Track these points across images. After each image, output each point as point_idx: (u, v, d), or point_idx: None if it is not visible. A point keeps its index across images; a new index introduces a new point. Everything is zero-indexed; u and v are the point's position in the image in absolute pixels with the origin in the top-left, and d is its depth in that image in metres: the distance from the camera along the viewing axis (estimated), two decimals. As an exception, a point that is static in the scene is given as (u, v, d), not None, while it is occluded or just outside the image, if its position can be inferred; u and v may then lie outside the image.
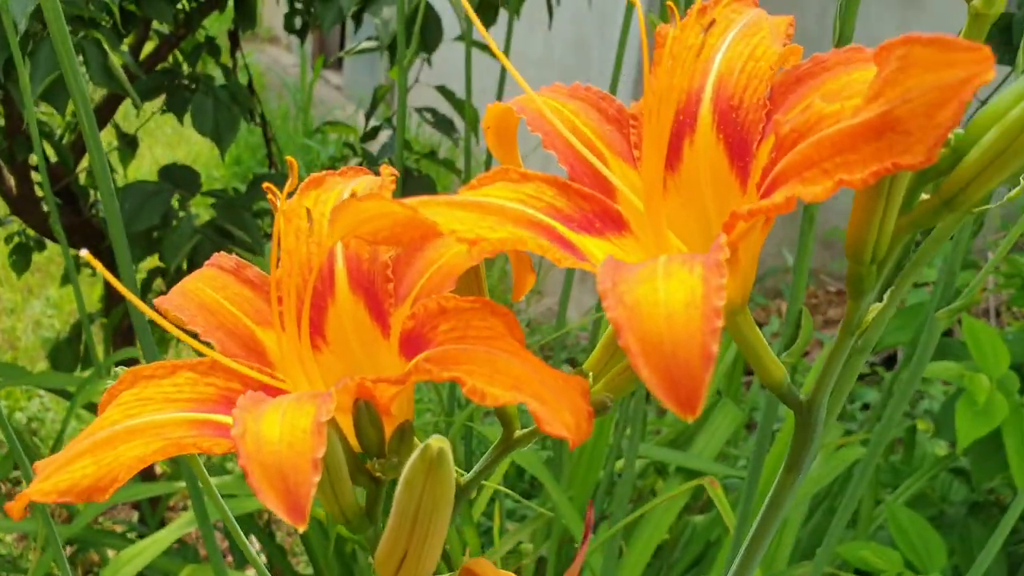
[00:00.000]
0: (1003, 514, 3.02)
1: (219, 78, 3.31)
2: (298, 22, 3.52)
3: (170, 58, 3.26)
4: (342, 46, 8.59)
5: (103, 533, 2.85)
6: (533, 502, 3.03)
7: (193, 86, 3.05)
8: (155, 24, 3.17)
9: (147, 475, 3.10)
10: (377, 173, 0.83)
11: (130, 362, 3.20)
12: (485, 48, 3.27)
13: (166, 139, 7.38)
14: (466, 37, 2.82)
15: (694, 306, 0.52)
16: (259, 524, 3.00)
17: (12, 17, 1.87)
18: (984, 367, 2.24)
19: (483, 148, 5.08)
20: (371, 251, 0.79)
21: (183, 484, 2.89)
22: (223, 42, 3.52)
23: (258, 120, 3.72)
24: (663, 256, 0.57)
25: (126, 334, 3.39)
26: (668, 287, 0.53)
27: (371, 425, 0.69)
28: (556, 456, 2.72)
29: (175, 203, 3.06)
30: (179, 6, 3.04)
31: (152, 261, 3.34)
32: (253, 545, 3.58)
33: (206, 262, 0.82)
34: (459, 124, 3.66)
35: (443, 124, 3.57)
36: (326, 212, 0.81)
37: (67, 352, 3.34)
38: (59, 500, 0.67)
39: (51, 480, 0.67)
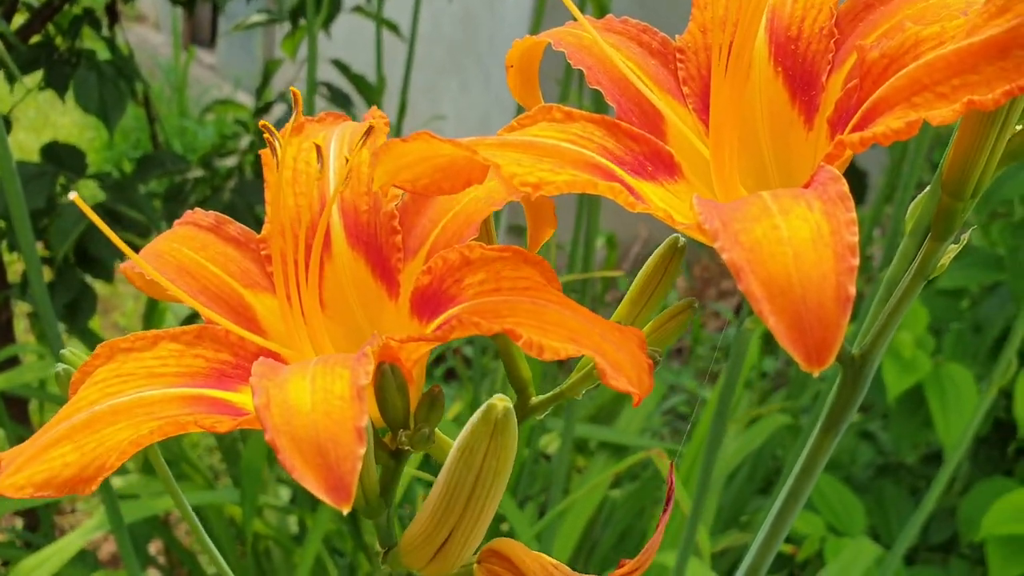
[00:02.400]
0: (909, 474, 3.10)
1: (100, 55, 3.11)
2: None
3: (43, 32, 3.04)
4: (214, 25, 8.29)
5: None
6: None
7: (74, 61, 2.85)
8: (25, -4, 2.96)
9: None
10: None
11: (13, 361, 2.99)
12: (374, 20, 3.18)
13: (29, 122, 6.98)
14: (376, 12, 2.72)
15: (823, 243, 0.46)
16: (161, 524, 2.85)
17: None
18: (904, 324, 2.27)
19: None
20: (370, 201, 0.70)
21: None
22: (100, 17, 3.31)
23: (140, 99, 3.53)
24: (766, 191, 0.51)
25: (4, 330, 3.17)
26: (789, 224, 0.47)
27: (398, 392, 0.61)
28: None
29: (59, 187, 2.86)
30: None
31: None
32: (153, 546, 3.42)
33: (178, 220, 0.72)
34: (355, 99, 3.54)
35: (339, 99, 3.44)
36: (311, 160, 0.73)
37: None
38: (36, 495, 0.57)
39: (24, 472, 0.57)
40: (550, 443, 3.03)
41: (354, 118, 2.80)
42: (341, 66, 3.41)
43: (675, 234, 0.70)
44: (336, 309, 0.71)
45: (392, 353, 0.59)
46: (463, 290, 0.61)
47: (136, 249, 2.38)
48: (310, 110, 2.63)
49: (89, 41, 3.33)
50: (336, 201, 0.69)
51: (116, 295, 4.89)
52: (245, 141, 3.51)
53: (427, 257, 0.67)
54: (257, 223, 2.58)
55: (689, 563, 1.83)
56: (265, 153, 0.71)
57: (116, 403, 0.60)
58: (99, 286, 2.98)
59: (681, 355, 4.71)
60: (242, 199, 3.24)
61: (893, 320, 0.66)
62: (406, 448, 0.62)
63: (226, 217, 0.71)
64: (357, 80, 3.39)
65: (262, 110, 3.45)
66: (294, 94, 0.64)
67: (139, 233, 2.95)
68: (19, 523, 3.18)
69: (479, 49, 5.60)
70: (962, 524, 2.41)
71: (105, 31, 3.27)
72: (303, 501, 2.85)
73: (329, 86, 3.45)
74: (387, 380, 0.60)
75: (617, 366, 0.55)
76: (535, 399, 0.73)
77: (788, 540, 2.53)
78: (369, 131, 0.69)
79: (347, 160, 0.69)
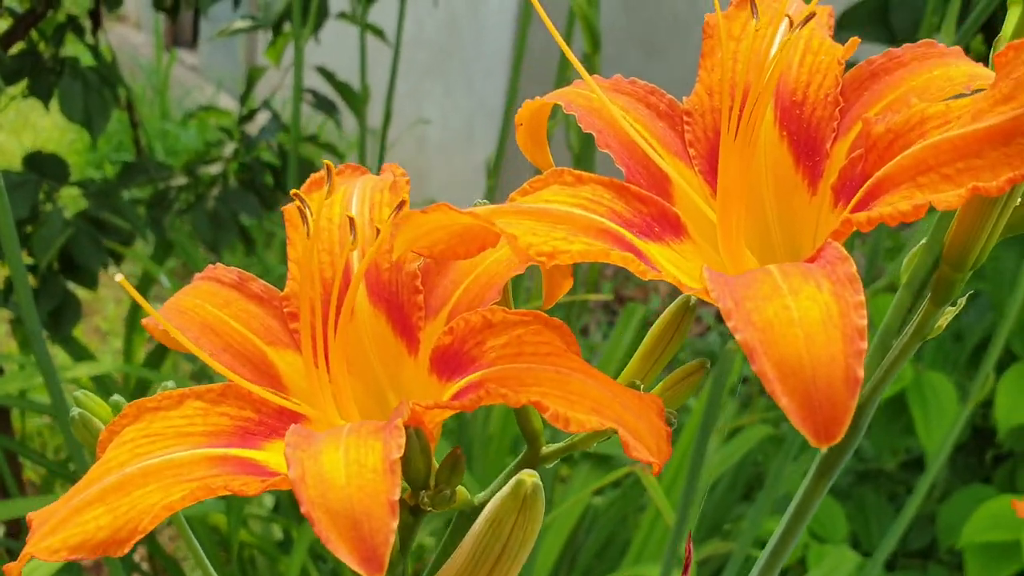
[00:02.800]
0: (889, 481, 3.14)
1: (83, 60, 3.10)
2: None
3: (26, 39, 3.03)
4: (195, 26, 8.25)
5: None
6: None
7: (58, 69, 2.85)
8: (7, 1, 2.95)
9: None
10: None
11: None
12: (354, 23, 3.18)
13: (9, 124, 6.93)
14: (361, 19, 2.72)
15: (832, 325, 0.49)
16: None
17: None
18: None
19: (355, 129, 4.94)
20: (391, 260, 0.72)
21: (47, 499, 2.72)
22: (83, 23, 3.30)
23: (123, 104, 3.52)
24: (773, 267, 0.53)
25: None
26: (800, 305, 0.49)
27: (421, 454, 0.62)
28: (463, 444, 2.67)
29: (42, 195, 2.86)
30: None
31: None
32: (136, 553, 3.42)
33: (199, 275, 0.73)
34: (339, 105, 3.54)
35: (324, 105, 3.45)
36: (333, 217, 0.74)
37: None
38: (70, 558, 0.59)
39: (59, 535, 0.59)
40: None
41: (338, 124, 2.80)
42: (326, 74, 3.41)
43: (686, 294, 0.73)
44: (356, 364, 0.72)
45: (417, 418, 0.61)
46: (484, 352, 0.63)
47: (118, 257, 2.39)
48: (296, 116, 2.63)
49: (72, 46, 3.32)
50: (356, 257, 0.71)
51: (97, 300, 4.88)
52: (229, 149, 3.51)
53: (448, 317, 0.69)
54: (242, 232, 2.56)
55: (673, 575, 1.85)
56: (289, 210, 0.72)
57: (146, 465, 0.61)
58: (80, 291, 2.98)
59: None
60: (226, 207, 3.24)
61: (888, 376, 0.69)
62: (428, 509, 0.64)
63: (248, 274, 0.72)
64: (342, 88, 3.39)
65: (246, 118, 3.45)
66: (327, 166, 0.66)
67: (123, 240, 2.95)
68: (0, 530, 3.17)
69: (463, 53, 5.61)
70: (941, 531, 2.46)
71: (88, 37, 3.26)
72: (287, 510, 2.86)
73: (314, 93, 3.45)
74: (412, 443, 0.62)
75: (638, 436, 0.57)
76: (546, 449, 0.75)
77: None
78: (394, 187, 0.71)
79: (364, 219, 0.71)
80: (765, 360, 0.48)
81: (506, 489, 0.56)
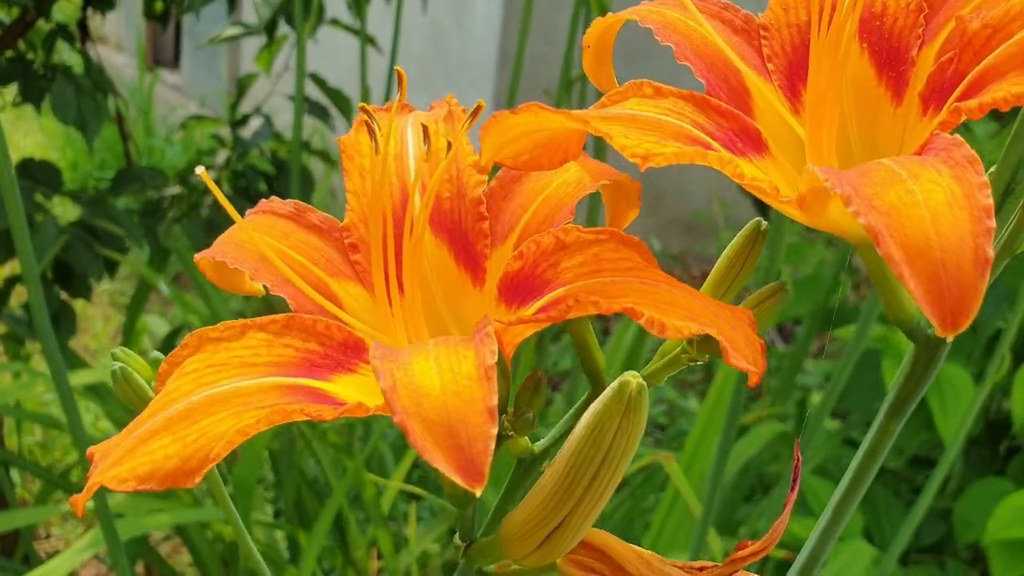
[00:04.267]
0: (894, 478, 3.12)
1: (74, 69, 3.07)
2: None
3: (15, 48, 3.00)
4: (177, 44, 8.22)
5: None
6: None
7: (50, 76, 2.81)
8: (-4, 11, 2.92)
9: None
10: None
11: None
12: (349, 31, 3.17)
13: (-9, 143, 6.86)
14: (361, 30, 2.71)
15: (959, 206, 0.46)
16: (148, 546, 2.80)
17: None
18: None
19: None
20: (452, 188, 0.69)
21: (45, 510, 2.65)
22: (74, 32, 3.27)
23: (113, 117, 3.49)
24: (884, 159, 0.51)
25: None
26: (923, 188, 0.47)
27: (502, 376, 0.59)
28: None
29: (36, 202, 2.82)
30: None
31: (4, 270, 3.07)
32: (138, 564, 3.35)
33: (251, 210, 0.70)
34: (331, 111, 3.52)
35: (317, 111, 3.43)
36: (389, 148, 0.72)
37: None
38: (139, 488, 0.55)
39: (125, 465, 0.56)
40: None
41: (333, 129, 2.78)
42: (318, 80, 3.40)
43: (756, 218, 0.70)
44: (419, 295, 0.69)
45: (498, 336, 0.58)
46: (559, 273, 0.61)
47: (113, 265, 2.35)
48: (299, 123, 2.61)
49: (61, 58, 3.29)
50: (418, 188, 0.68)
51: (85, 318, 4.82)
52: (222, 156, 3.48)
53: (517, 243, 0.66)
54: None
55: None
56: (344, 141, 0.70)
57: (213, 393, 0.58)
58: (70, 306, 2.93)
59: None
60: (221, 215, 3.20)
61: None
62: (509, 433, 0.61)
63: (305, 204, 0.69)
64: (334, 94, 3.38)
65: (239, 124, 3.42)
66: (398, 72, 0.63)
67: (117, 248, 2.91)
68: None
69: (448, 64, 5.60)
70: (958, 525, 2.43)
71: (78, 46, 3.24)
72: (291, 517, 2.81)
73: (307, 99, 3.43)
74: (494, 363, 0.59)
75: (735, 345, 0.55)
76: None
77: (783, 544, 2.53)
78: (449, 117, 0.69)
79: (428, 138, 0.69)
80: (891, 243, 0.46)
81: (608, 392, 0.53)
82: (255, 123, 3.47)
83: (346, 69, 3.09)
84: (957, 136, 0.51)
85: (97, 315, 4.96)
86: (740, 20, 0.67)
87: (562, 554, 0.60)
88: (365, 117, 0.64)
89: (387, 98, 3.09)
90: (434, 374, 0.51)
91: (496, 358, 0.51)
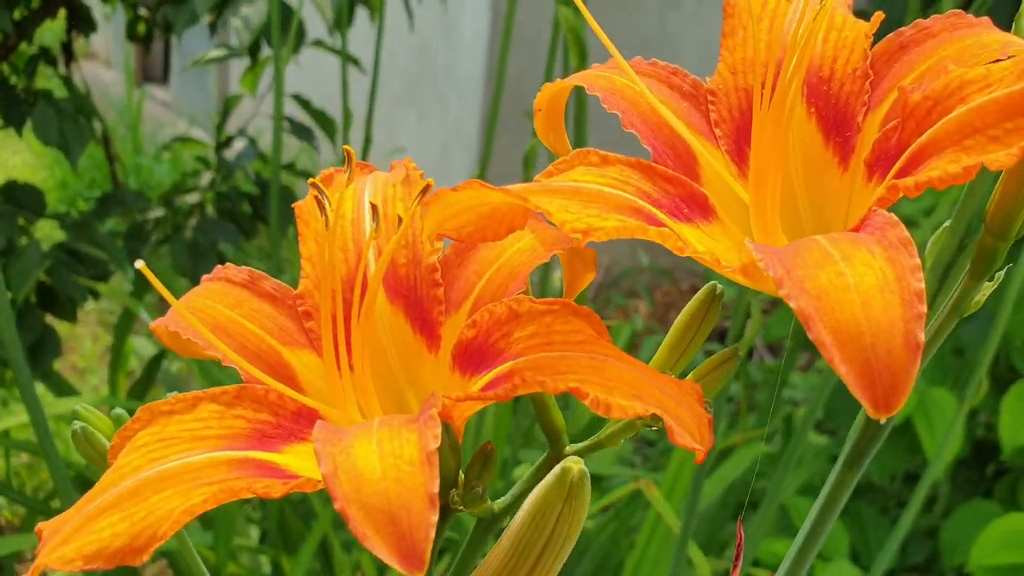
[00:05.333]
0: (882, 495, 3.13)
1: (57, 93, 3.07)
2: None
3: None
4: (166, 61, 8.22)
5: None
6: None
7: (31, 100, 2.82)
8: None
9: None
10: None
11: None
12: (331, 51, 3.17)
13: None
14: (342, 49, 2.71)
15: (890, 290, 0.47)
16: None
17: None
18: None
19: (330, 156, 4.92)
20: (408, 254, 0.69)
21: (28, 537, 2.65)
22: (56, 54, 3.27)
23: (99, 138, 3.49)
24: (819, 236, 0.51)
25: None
26: (855, 271, 0.48)
27: (451, 451, 0.60)
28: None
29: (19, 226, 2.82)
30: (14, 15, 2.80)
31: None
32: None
33: (207, 276, 0.71)
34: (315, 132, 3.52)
35: (301, 132, 3.43)
36: (345, 212, 0.72)
37: None
38: (85, 568, 0.55)
39: (72, 544, 0.56)
40: (524, 474, 3.02)
41: (316, 150, 2.77)
42: (302, 102, 3.40)
43: (710, 284, 0.71)
44: (373, 364, 0.69)
45: (447, 412, 0.59)
46: (511, 344, 0.61)
47: (95, 291, 2.34)
48: (278, 143, 2.61)
49: (44, 81, 3.29)
50: (373, 252, 0.69)
51: (74, 337, 4.81)
52: (206, 179, 3.48)
53: (471, 311, 0.66)
54: (222, 261, 2.54)
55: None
56: (300, 206, 0.70)
57: (163, 469, 0.58)
58: (56, 327, 2.93)
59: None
60: (205, 237, 3.20)
61: (924, 357, 0.67)
62: (457, 507, 0.61)
63: (260, 272, 0.70)
64: (318, 115, 3.38)
65: (223, 145, 3.42)
66: (347, 152, 0.64)
67: (99, 274, 2.91)
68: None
69: (436, 80, 5.61)
70: (945, 548, 2.43)
71: (62, 68, 3.24)
72: (275, 542, 2.81)
73: (290, 120, 3.43)
74: (441, 439, 0.59)
75: (681, 422, 0.55)
76: (569, 448, 0.72)
77: (771, 566, 2.53)
78: (407, 181, 0.69)
79: (380, 212, 0.69)
80: (821, 327, 0.46)
81: (550, 478, 0.54)
82: (240, 144, 3.47)
83: (333, 88, 3.09)
84: (892, 216, 0.51)
85: (85, 334, 4.95)
86: (688, 85, 0.68)
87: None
88: (315, 192, 0.64)
89: (369, 117, 3.09)
90: (376, 459, 0.51)
91: (439, 442, 0.51)
